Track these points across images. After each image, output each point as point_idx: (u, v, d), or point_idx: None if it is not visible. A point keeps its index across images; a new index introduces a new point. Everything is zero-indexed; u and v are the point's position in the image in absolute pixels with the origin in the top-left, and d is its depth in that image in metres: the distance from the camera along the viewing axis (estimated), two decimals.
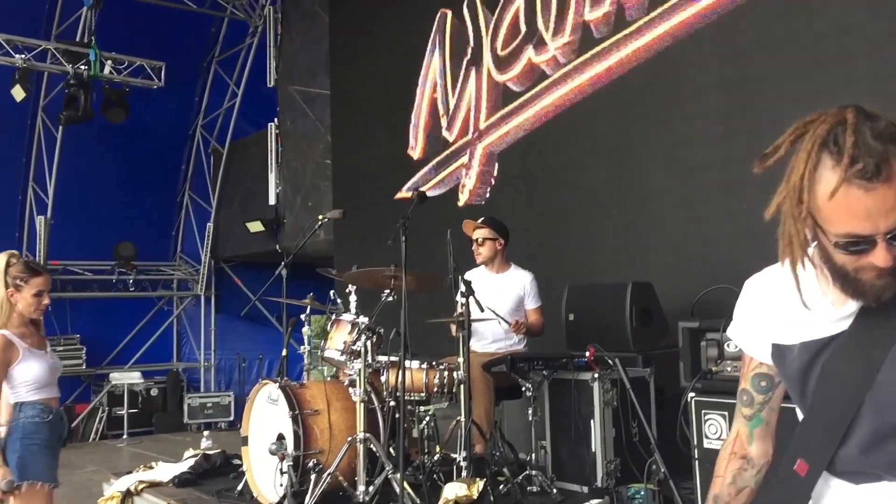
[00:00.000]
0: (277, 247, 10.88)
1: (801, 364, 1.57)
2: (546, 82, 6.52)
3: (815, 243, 1.48)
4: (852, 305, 1.52)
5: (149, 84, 10.87)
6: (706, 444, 2.89)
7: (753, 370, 1.73)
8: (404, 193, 8.06)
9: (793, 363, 1.60)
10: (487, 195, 7.14)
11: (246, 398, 11.71)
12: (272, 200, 11.12)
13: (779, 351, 1.63)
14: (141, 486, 4.78)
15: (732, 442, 1.76)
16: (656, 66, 5.72)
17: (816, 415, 1.57)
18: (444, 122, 7.62)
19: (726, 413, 2.81)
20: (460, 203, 7.33)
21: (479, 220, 5.08)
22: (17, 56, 9.67)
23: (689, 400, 2.89)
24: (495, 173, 7.06)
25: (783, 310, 1.62)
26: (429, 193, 7.62)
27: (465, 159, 7.31)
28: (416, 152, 7.97)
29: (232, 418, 11.40)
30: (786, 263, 1.54)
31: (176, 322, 12.89)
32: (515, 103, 6.81)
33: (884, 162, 1.35)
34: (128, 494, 4.79)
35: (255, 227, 11.16)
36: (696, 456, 2.89)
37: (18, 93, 9.72)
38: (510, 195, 6.89)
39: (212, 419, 11.27)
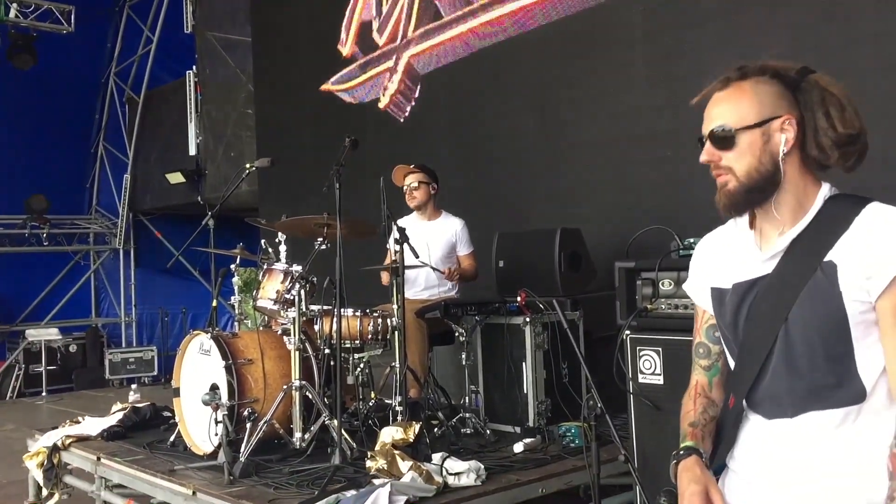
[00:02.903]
0: (199, 198, 10.65)
1: (733, 306, 1.67)
2: (474, 5, 6.49)
3: None
4: (777, 246, 1.60)
5: (58, 29, 10.39)
6: (641, 378, 3.00)
7: (706, 322, 1.81)
8: (330, 86, 7.97)
9: (727, 305, 1.69)
10: (407, 112, 7.15)
11: (170, 352, 11.61)
12: (192, 151, 10.84)
13: (717, 295, 1.73)
14: (68, 441, 4.68)
15: (694, 387, 1.83)
16: (582, 11, 5.76)
17: (744, 352, 1.67)
18: (375, 25, 7.55)
19: (660, 349, 2.92)
20: (381, 105, 7.36)
21: (412, 166, 5.08)
22: None
23: (625, 337, 2.98)
24: (416, 93, 7.06)
25: (721, 255, 1.75)
26: (353, 94, 7.66)
27: (390, 63, 7.30)
28: (345, 49, 7.86)
29: (156, 373, 11.24)
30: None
31: (94, 277, 12.54)
32: (445, 19, 6.78)
33: (740, 78, 1.65)
34: (55, 449, 4.68)
35: (176, 178, 10.88)
36: (631, 390, 3.00)
37: None
38: (433, 124, 6.91)
39: (135, 374, 11.07)
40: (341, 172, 4.00)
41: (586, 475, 3.27)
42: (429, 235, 4.96)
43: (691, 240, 3.03)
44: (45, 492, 4.75)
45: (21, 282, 11.55)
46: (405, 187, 5.08)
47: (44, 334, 11.18)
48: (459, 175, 6.43)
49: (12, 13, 9.80)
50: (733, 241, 1.72)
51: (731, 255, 1.71)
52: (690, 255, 2.97)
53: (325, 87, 8.04)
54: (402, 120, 7.15)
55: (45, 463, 4.68)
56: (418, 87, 7.06)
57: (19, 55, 10.02)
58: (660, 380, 2.95)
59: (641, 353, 2.97)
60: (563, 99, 5.97)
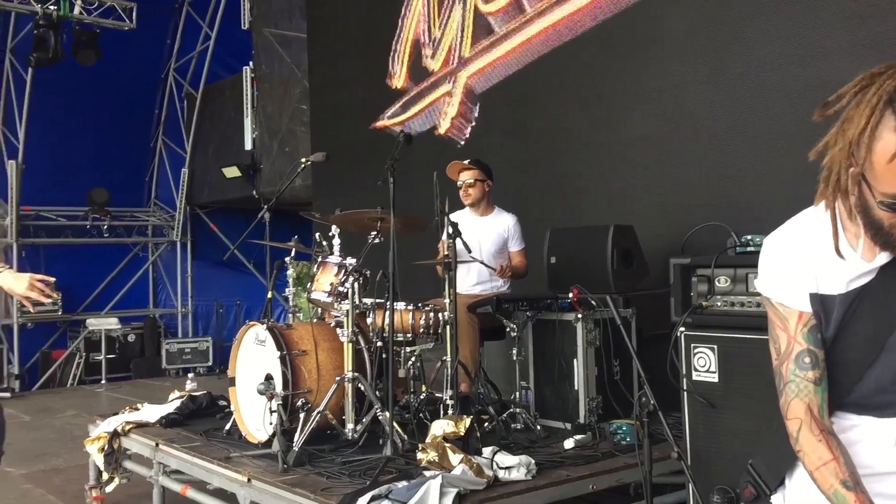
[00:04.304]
0: (254, 192, 10.82)
1: (838, 315, 1.58)
2: (528, 14, 6.47)
3: (857, 193, 1.47)
4: (880, 259, 1.55)
5: (120, 25, 10.64)
6: (695, 376, 2.97)
7: (807, 325, 1.59)
8: (385, 122, 8.00)
9: (833, 314, 1.58)
10: (467, 134, 7.13)
11: (224, 343, 11.79)
12: (248, 146, 11.01)
13: (823, 302, 1.60)
14: (128, 427, 4.81)
15: (813, 421, 1.57)
16: (637, 5, 5.71)
17: (838, 362, 1.60)
18: (427, 52, 7.54)
19: (715, 347, 2.89)
20: (441, 130, 7.32)
21: (467, 161, 5.10)
22: None
23: (679, 334, 2.96)
24: (476, 113, 7.04)
25: (822, 260, 1.59)
26: (409, 125, 7.66)
27: (447, 87, 7.27)
28: (398, 80, 7.88)
29: (210, 363, 11.47)
30: (820, 207, 1.58)
31: (151, 268, 12.83)
32: (497, 34, 6.76)
33: None
34: (115, 435, 4.82)
35: (232, 172, 11.07)
36: (685, 387, 2.97)
37: None
38: (491, 140, 6.89)
39: (190, 364, 11.31)
40: (395, 167, 4.04)
41: (637, 473, 3.25)
42: (481, 231, 4.98)
43: (748, 237, 2.99)
44: (105, 476, 4.89)
45: (83, 272, 11.87)
46: (459, 183, 5.10)
47: (104, 324, 11.51)
48: (513, 171, 6.43)
49: (76, 10, 10.08)
50: (823, 246, 1.58)
51: (829, 259, 1.58)
52: (748, 253, 2.98)
53: (378, 123, 8.03)
54: (461, 143, 7.12)
55: (106, 448, 4.82)
56: (477, 106, 7.03)
57: (83, 51, 10.29)
58: (714, 377, 2.92)
59: (696, 351, 2.94)
60: (616, 96, 5.93)
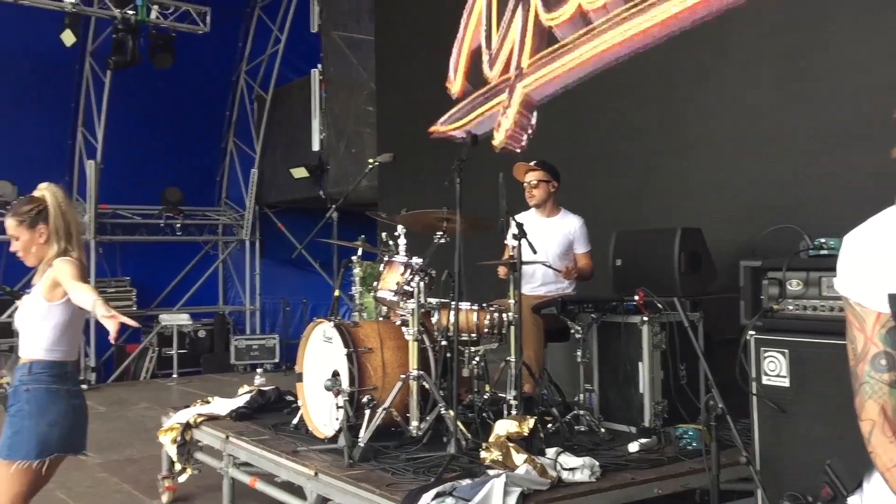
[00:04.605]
0: (321, 192, 10.99)
1: None
2: (595, 27, 6.43)
3: None
4: None
5: (194, 29, 10.93)
6: (764, 380, 2.93)
7: (885, 326, 1.55)
8: (438, 127, 8.03)
9: None
10: (524, 142, 7.11)
11: (290, 341, 11.99)
12: (316, 147, 11.18)
13: None
14: (199, 419, 4.95)
15: (883, 424, 1.54)
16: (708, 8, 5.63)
17: None
18: (485, 58, 7.55)
19: (786, 351, 2.84)
20: (495, 142, 7.31)
21: (533, 163, 5.10)
22: (65, 0, 9.76)
23: (749, 337, 2.92)
24: (533, 122, 7.02)
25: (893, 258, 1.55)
26: (466, 132, 7.66)
27: (503, 98, 7.25)
28: (455, 86, 7.90)
29: (277, 360, 11.70)
30: None
31: (221, 266, 13.14)
32: (560, 44, 6.73)
33: None
34: (187, 427, 4.97)
35: (299, 173, 11.26)
36: (755, 391, 2.93)
37: (68, 37, 9.85)
38: (554, 143, 6.86)
39: (257, 361, 11.55)
40: (462, 168, 4.07)
41: (704, 479, 3.21)
42: (546, 232, 4.98)
43: (822, 240, 2.93)
44: (177, 466, 5.04)
45: (156, 269, 12.24)
46: (525, 184, 5.10)
47: (176, 319, 11.84)
48: (578, 173, 6.40)
49: (153, 14, 10.40)
50: None
51: None
52: (822, 256, 2.92)
53: (434, 128, 8.05)
54: (518, 151, 7.10)
55: (178, 439, 4.97)
56: (534, 114, 7.00)
57: (159, 54, 10.61)
58: (785, 382, 2.87)
59: (766, 355, 2.90)
60: (685, 96, 5.86)
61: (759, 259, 2.99)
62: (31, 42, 10.43)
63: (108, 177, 11.40)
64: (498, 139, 7.28)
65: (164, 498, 5.24)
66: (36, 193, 3.27)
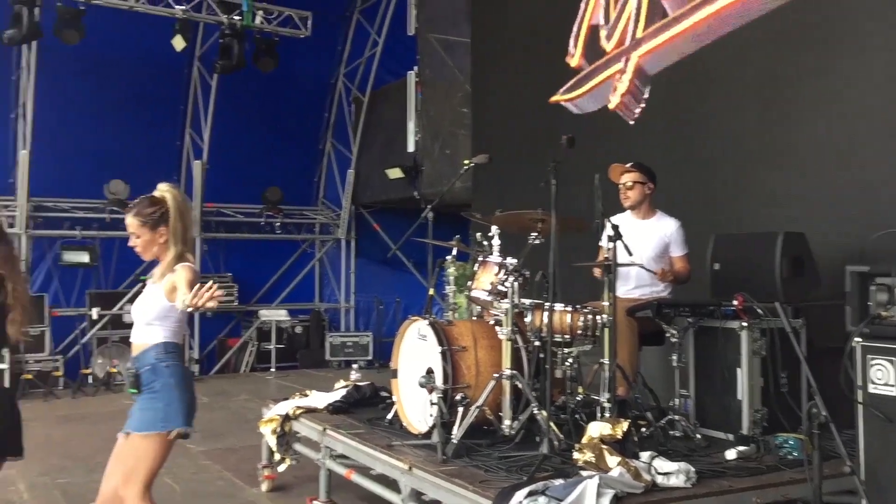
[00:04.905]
0: (416, 193, 11.13)
1: None
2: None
3: None
4: None
5: (296, 33, 11.27)
6: (871, 389, 2.83)
7: None
8: (558, 97, 8.01)
9: None
10: (636, 113, 7.01)
11: (383, 339, 12.21)
12: (411, 148, 11.34)
13: None
14: (298, 412, 5.12)
15: None
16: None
17: None
18: (603, 33, 7.52)
19: (894, 359, 2.75)
20: (610, 106, 7.26)
21: (628, 165, 5.06)
22: (177, 7, 10.23)
23: (855, 345, 2.83)
24: (646, 94, 6.92)
25: None
26: (578, 105, 7.65)
27: (619, 65, 7.23)
28: (574, 60, 7.88)
29: (370, 357, 11.92)
30: None
31: (318, 264, 13.47)
32: (672, 16, 6.61)
33: None
34: (286, 418, 5.14)
35: (395, 173, 11.44)
36: (860, 400, 2.84)
37: (179, 42, 10.31)
38: (656, 139, 6.77)
39: (351, 357, 11.81)
40: (558, 169, 4.08)
41: (805, 489, 3.14)
42: (642, 234, 4.92)
43: None
44: (276, 456, 5.23)
45: (256, 266, 12.66)
46: (620, 186, 5.07)
47: (274, 315, 12.23)
48: (675, 174, 6.29)
49: (258, 19, 10.79)
50: None
51: None
52: None
53: (554, 98, 8.08)
54: (631, 122, 7.04)
55: (278, 430, 5.15)
56: (647, 88, 6.94)
57: (263, 58, 10.99)
58: (893, 391, 2.77)
59: (873, 363, 2.80)
60: (790, 94, 5.68)
61: (866, 264, 2.89)
62: (144, 47, 10.95)
63: (213, 176, 11.87)
64: (613, 103, 7.26)
65: (264, 486, 5.43)
66: (156, 194, 3.43)
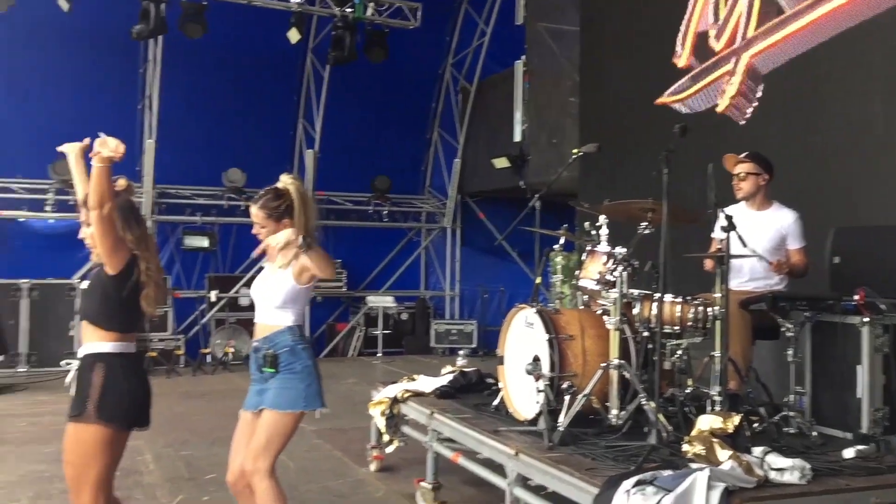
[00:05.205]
0: (521, 182, 11.14)
1: None
2: None
3: None
4: None
5: (405, 24, 11.44)
6: None
7: None
8: (665, 99, 7.88)
9: None
10: (747, 114, 6.82)
11: (487, 327, 12.32)
12: (517, 137, 11.36)
13: None
14: (406, 395, 5.25)
15: None
16: None
17: None
18: (712, 33, 7.34)
19: None
20: (719, 108, 7.08)
21: (743, 155, 4.93)
22: (292, 1, 10.55)
23: None
24: (758, 93, 6.72)
25: None
26: (688, 104, 7.49)
27: (729, 66, 7.04)
28: (681, 60, 7.73)
29: (474, 345, 12.03)
30: None
31: (424, 252, 13.67)
32: (789, 13, 6.40)
33: None
34: (395, 401, 5.28)
35: (501, 163, 11.48)
36: None
37: (294, 35, 10.65)
38: (772, 128, 6.56)
39: (456, 345, 11.95)
40: (670, 158, 4.02)
41: None
42: (757, 226, 4.79)
43: None
44: (385, 438, 5.38)
45: (364, 253, 12.96)
46: (734, 176, 4.95)
47: (381, 301, 12.51)
48: (791, 166, 6.08)
49: (369, 11, 11.02)
50: None
51: None
52: None
53: (660, 100, 7.94)
54: (742, 122, 6.86)
55: (387, 412, 5.30)
56: (760, 87, 6.73)
57: (373, 49, 11.22)
58: None
59: None
60: None
61: None
62: (261, 41, 11.37)
63: (324, 165, 12.21)
64: (722, 106, 7.09)
65: (372, 466, 5.60)
66: (280, 186, 3.58)
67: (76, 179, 3.55)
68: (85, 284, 3.43)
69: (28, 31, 10.43)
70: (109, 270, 3.21)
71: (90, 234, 3.29)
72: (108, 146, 3.05)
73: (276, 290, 3.49)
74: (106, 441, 3.18)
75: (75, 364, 3.32)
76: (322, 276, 3.38)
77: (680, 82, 7.69)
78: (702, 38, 7.44)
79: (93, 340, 3.23)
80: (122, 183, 3.32)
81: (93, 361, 3.20)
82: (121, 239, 3.20)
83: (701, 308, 4.30)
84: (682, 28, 7.67)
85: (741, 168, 4.91)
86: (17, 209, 10.87)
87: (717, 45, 7.25)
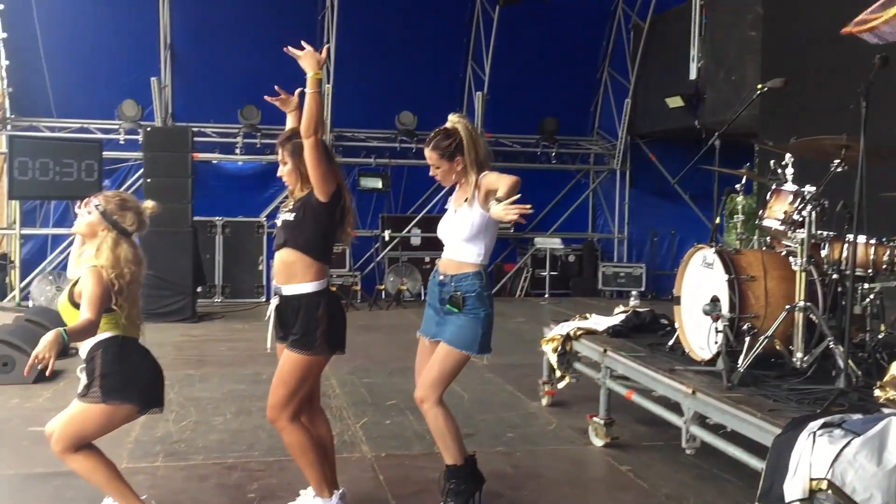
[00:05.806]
0: (696, 122, 10.75)
1: None
2: None
3: None
4: None
5: None
6: None
7: None
8: (851, 28, 7.33)
9: None
10: None
11: (657, 271, 12.11)
12: (692, 75, 10.93)
13: None
14: (578, 332, 5.31)
15: None
16: None
17: None
18: None
19: None
20: None
21: None
22: None
23: None
24: None
25: None
26: (880, 33, 6.92)
27: None
28: None
29: (643, 289, 11.89)
30: None
31: (592, 195, 13.53)
32: None
33: None
34: (567, 338, 5.37)
35: (675, 102, 11.11)
36: None
37: None
38: None
39: (624, 288, 11.87)
40: (870, 90, 3.79)
41: None
42: None
43: None
44: (557, 374, 5.49)
45: (532, 195, 12.77)
46: None
47: (548, 243, 12.57)
48: None
49: None
50: None
51: None
52: None
53: (846, 29, 7.36)
54: None
55: (559, 349, 5.39)
56: None
57: None
58: None
59: None
60: None
61: None
62: None
63: (493, 107, 12.26)
64: None
65: (544, 401, 5.75)
66: (448, 125, 3.67)
67: (295, 108, 3.68)
68: (284, 217, 3.56)
69: None
70: (321, 197, 3.43)
71: (287, 171, 3.54)
72: (314, 58, 3.32)
73: (464, 224, 3.60)
74: (320, 367, 3.56)
75: (275, 301, 3.57)
76: (509, 193, 3.41)
77: (871, 8, 7.11)
78: None
79: (302, 280, 3.46)
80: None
81: (317, 300, 3.47)
82: (330, 167, 3.42)
83: None
84: None
85: None
86: (211, 152, 11.70)
87: None
